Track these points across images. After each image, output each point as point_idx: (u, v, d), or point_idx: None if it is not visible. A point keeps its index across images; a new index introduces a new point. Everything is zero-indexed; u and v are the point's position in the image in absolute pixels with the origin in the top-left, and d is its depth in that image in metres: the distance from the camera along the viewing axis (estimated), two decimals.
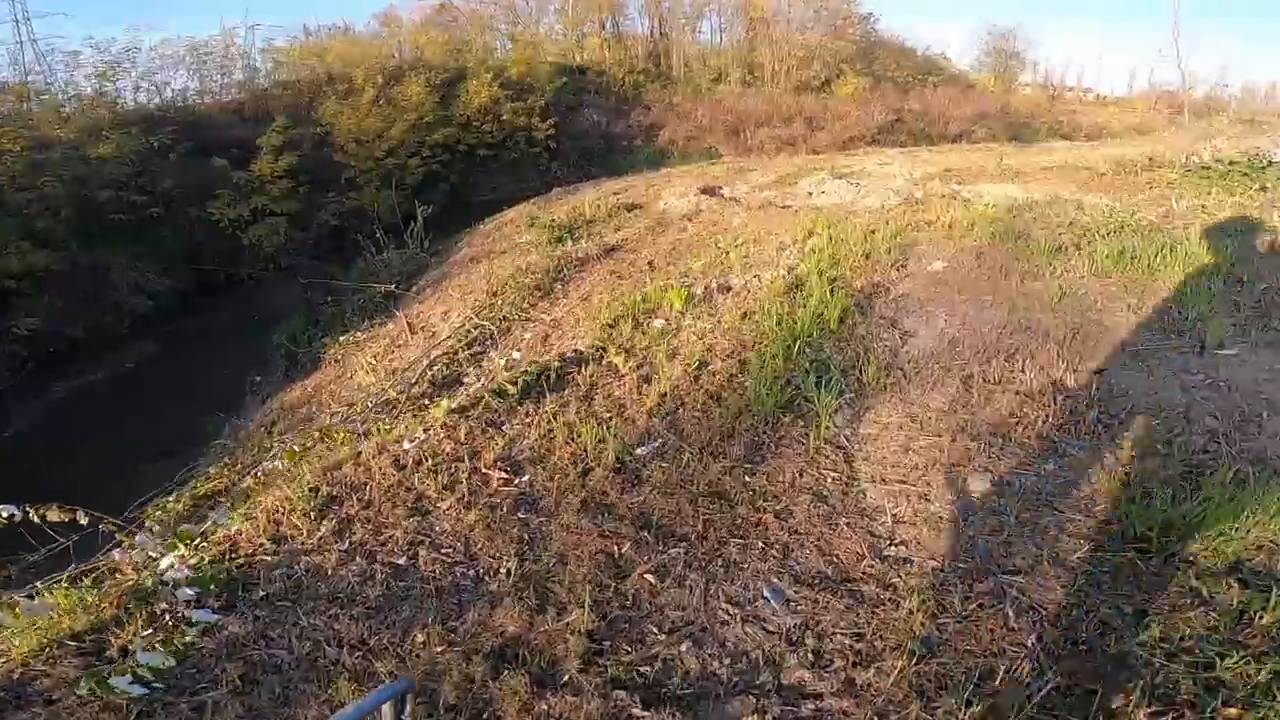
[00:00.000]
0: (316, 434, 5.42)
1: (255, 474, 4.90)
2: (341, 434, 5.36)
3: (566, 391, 4.21)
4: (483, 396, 4.05)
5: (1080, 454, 3.40)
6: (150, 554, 3.88)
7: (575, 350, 4.64)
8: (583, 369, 4.41)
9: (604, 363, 4.47)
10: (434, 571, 3.16)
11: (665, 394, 4.02)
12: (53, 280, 13.52)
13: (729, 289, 5.36)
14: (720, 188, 11.20)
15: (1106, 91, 48.38)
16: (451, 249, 11.91)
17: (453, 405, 4.09)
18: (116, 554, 4.04)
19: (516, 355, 5.86)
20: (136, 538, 4.19)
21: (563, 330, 6.41)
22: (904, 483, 3.39)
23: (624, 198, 11.21)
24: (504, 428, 3.99)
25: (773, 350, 4.18)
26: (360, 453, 4.00)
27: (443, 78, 21.17)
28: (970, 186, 8.33)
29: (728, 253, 6.55)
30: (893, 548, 3.11)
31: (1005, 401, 3.67)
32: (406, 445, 3.98)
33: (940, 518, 3.21)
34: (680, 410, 3.87)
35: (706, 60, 28.95)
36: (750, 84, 27.59)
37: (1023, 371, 3.89)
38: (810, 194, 8.92)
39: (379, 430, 4.89)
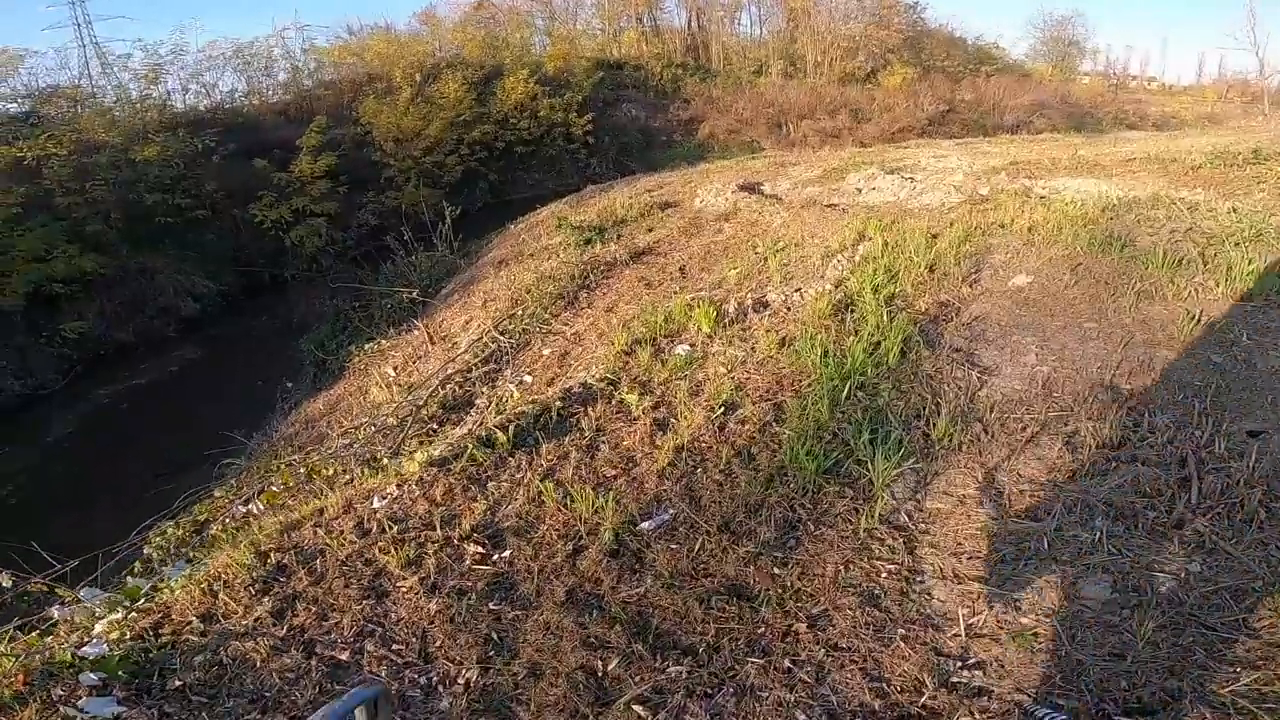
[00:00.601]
0: (304, 471, 4.82)
1: (228, 518, 4.34)
2: (327, 470, 4.76)
3: (568, 439, 3.45)
4: (467, 447, 3.31)
5: (1236, 550, 2.46)
6: (94, 611, 3.30)
7: (583, 384, 3.87)
8: (590, 408, 3.64)
9: (615, 400, 3.69)
10: (379, 673, 2.46)
11: (683, 446, 3.21)
12: (101, 284, 13.49)
13: (765, 305, 4.51)
14: (760, 184, 10.25)
15: (1173, 80, 44.96)
16: (482, 250, 11.30)
17: (433, 455, 3.37)
18: (55, 611, 3.49)
19: (528, 379, 5.14)
20: (81, 592, 3.64)
21: (583, 345, 5.67)
22: (983, 580, 2.52)
23: (658, 195, 10.38)
24: (489, 485, 3.25)
25: (816, 393, 3.32)
26: (324, 509, 3.32)
27: (480, 75, 20.67)
28: (1044, 181, 7.21)
29: (766, 259, 5.68)
30: (965, 672, 2.26)
31: (1126, 473, 2.73)
32: (376, 503, 3.29)
33: (1034, 633, 2.34)
34: (699, 470, 3.05)
35: (746, 52, 27.75)
36: (792, 76, 26.28)
37: (1149, 431, 2.93)
38: (859, 191, 7.92)
39: (363, 474, 4.25)
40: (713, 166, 13.21)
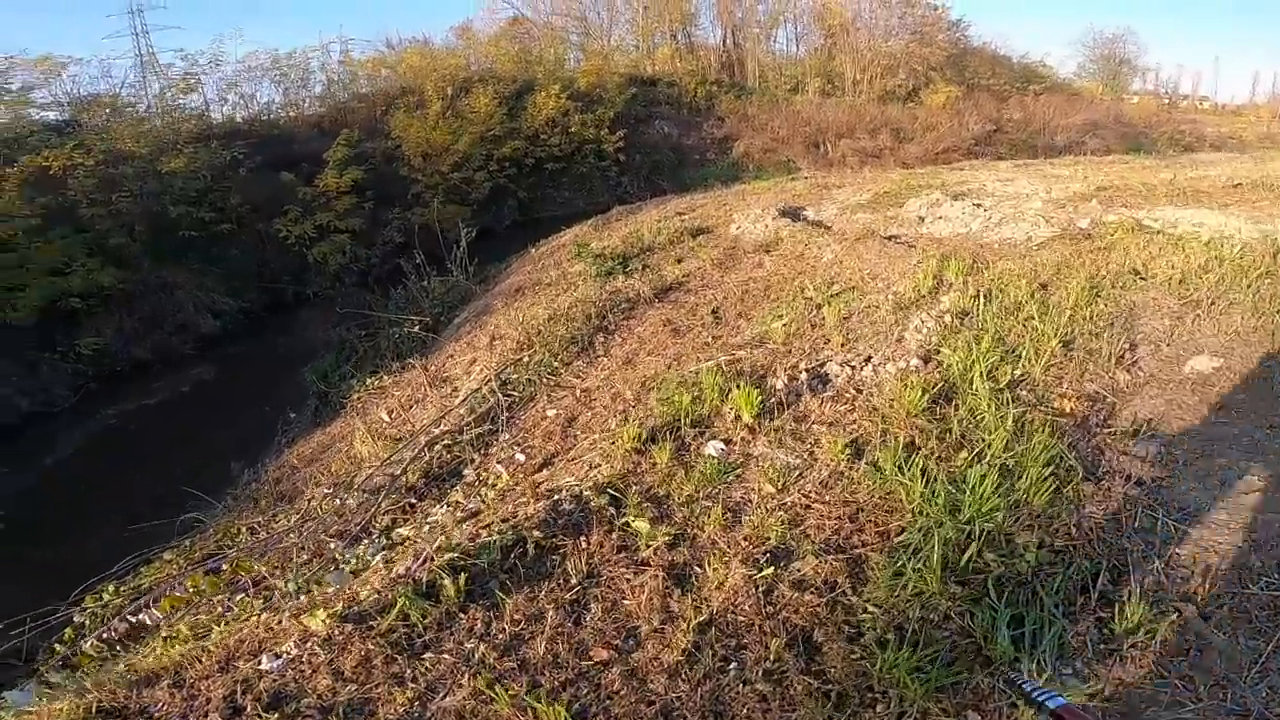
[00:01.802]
0: (227, 567, 3.78)
1: (115, 623, 3.33)
2: (254, 568, 3.70)
3: (545, 589, 2.31)
4: (397, 602, 2.19)
5: None
6: None
7: (576, 497, 2.73)
8: (583, 538, 2.49)
9: (618, 525, 2.54)
10: None
11: (710, 621, 2.06)
12: (121, 298, 12.91)
13: (825, 381, 3.32)
14: (803, 209, 9.04)
15: (1225, 100, 42.25)
16: (500, 275, 10.30)
17: (348, 608, 2.25)
18: None
19: (521, 457, 4.03)
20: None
21: (593, 409, 4.54)
22: None
23: (690, 219, 9.25)
24: (424, 658, 2.13)
25: (916, 542, 2.13)
26: (191, 663, 2.24)
27: (512, 89, 19.85)
28: (1148, 212, 5.87)
29: (819, 306, 4.49)
30: None
31: None
32: (265, 663, 2.21)
33: None
34: (733, 668, 1.89)
35: (783, 69, 26.52)
36: (830, 94, 24.94)
37: None
38: (922, 219, 6.66)
39: (293, 581, 3.17)
40: (749, 188, 12.04)
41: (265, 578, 3.33)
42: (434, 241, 16.45)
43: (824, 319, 4.09)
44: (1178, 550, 2.10)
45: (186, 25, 33.97)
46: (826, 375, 3.32)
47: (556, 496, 2.75)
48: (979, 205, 6.62)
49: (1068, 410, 2.72)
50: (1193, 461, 2.45)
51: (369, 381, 8.05)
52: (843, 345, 3.62)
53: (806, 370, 3.38)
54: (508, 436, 4.90)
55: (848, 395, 3.11)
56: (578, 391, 5.00)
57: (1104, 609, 1.95)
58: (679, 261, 7.26)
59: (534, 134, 19.01)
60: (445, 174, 16.64)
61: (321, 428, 7.85)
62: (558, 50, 25.36)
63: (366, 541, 4.22)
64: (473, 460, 4.82)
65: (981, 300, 3.70)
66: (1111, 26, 52.32)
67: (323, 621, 2.20)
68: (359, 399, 7.90)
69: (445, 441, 5.11)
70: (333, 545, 3.62)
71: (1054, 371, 3.09)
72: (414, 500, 4.64)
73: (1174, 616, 1.90)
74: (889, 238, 6.25)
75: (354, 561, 3.66)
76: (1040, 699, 1.17)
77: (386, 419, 6.69)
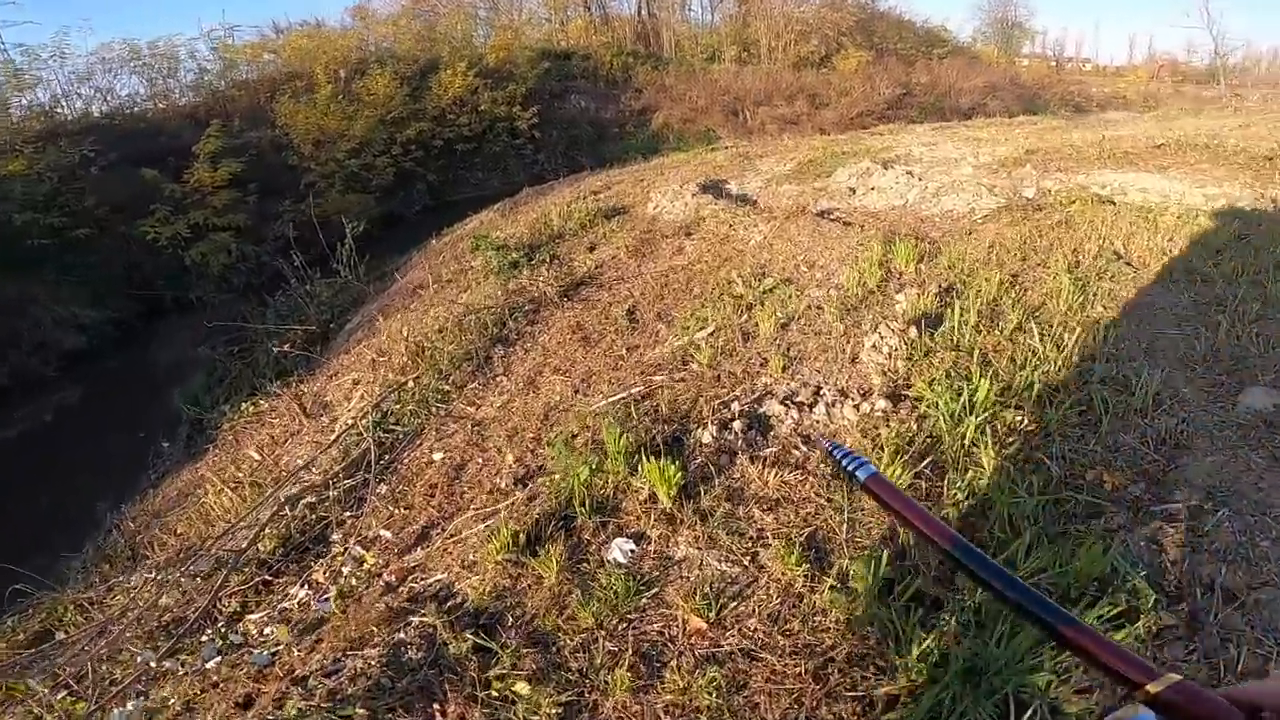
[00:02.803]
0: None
1: None
2: (23, 688, 2.57)
3: None
4: None
5: None
6: None
7: (428, 637, 1.77)
8: (437, 708, 1.55)
9: (489, 683, 1.61)
10: None
11: None
12: None
13: (765, 429, 2.43)
14: (725, 182, 8.18)
15: (1105, 61, 44.08)
16: (398, 270, 9.00)
17: None
18: None
19: (386, 534, 3.02)
20: None
21: (486, 451, 3.56)
22: None
23: (605, 199, 8.23)
24: None
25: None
26: None
27: (414, 69, 18.01)
28: (1087, 176, 5.31)
29: (749, 308, 3.63)
30: None
31: None
32: None
33: None
34: None
35: (698, 39, 25.47)
36: (746, 62, 24.09)
37: None
38: (853, 191, 5.91)
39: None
40: (668, 160, 11.08)
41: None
42: (336, 234, 14.78)
43: (757, 327, 3.23)
44: None
45: (57, 22, 29.49)
46: (766, 418, 2.46)
47: (408, 625, 1.79)
48: (911, 173, 5.92)
49: (1111, 486, 1.91)
50: None
51: (244, 407, 6.73)
52: (784, 370, 2.76)
53: (740, 413, 2.51)
54: (385, 489, 3.86)
55: (795, 453, 2.25)
56: (470, 425, 4.00)
57: None
58: (591, 249, 6.28)
59: (440, 114, 17.32)
60: (341, 161, 14.84)
61: (193, 462, 6.52)
62: (464, 27, 23.32)
63: (209, 633, 3.16)
64: (341, 522, 3.78)
65: (948, 303, 2.90)
66: None
67: None
68: (231, 429, 6.59)
69: (308, 499, 4.02)
70: (142, 658, 2.54)
71: (1075, 420, 2.24)
72: (266, 579, 3.58)
73: None
74: (821, 213, 5.46)
75: (180, 671, 2.64)
76: (851, 468, 0.84)
77: (257, 457, 5.46)
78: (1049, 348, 2.54)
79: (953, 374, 2.36)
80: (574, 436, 2.76)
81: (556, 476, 2.63)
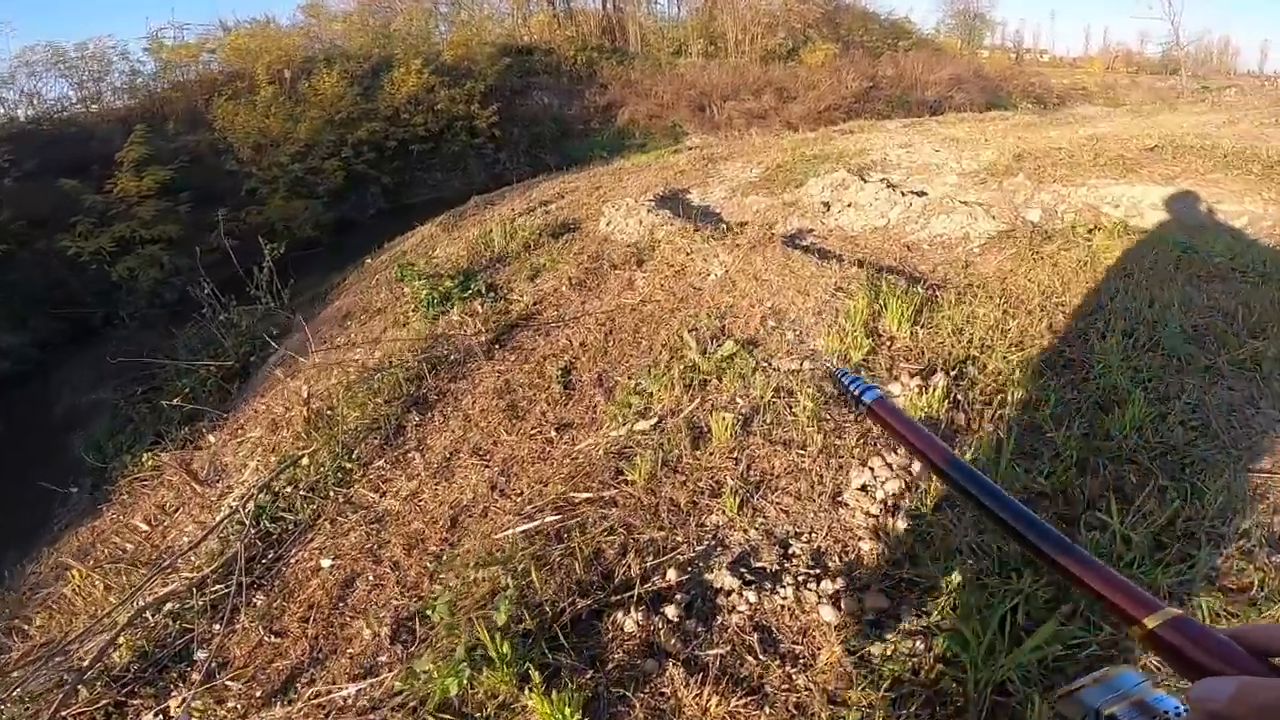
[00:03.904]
0: None
1: None
2: None
3: None
4: None
5: None
6: None
7: None
8: None
9: None
10: None
11: None
12: None
13: (709, 613, 1.56)
14: (687, 191, 7.28)
15: (1062, 52, 43.91)
16: (330, 294, 7.96)
17: None
18: None
19: (235, 686, 2.11)
20: None
21: (381, 564, 2.68)
22: None
23: (556, 211, 7.28)
24: None
25: None
26: None
27: (365, 68, 16.69)
28: (1092, 190, 4.53)
29: (704, 382, 2.76)
30: None
31: None
32: None
33: None
34: None
35: (665, 33, 24.35)
36: (713, 56, 23.08)
37: None
38: (828, 205, 5.06)
39: None
40: (628, 164, 10.11)
41: None
42: (281, 242, 13.51)
43: (709, 427, 2.37)
44: None
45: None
46: (712, 596, 1.59)
47: None
48: (891, 185, 5.08)
49: None
50: None
51: (145, 459, 5.69)
52: (740, 507, 1.90)
53: (679, 584, 1.64)
54: (261, 599, 2.95)
55: (750, 662, 1.39)
56: (369, 521, 3.09)
57: None
58: (533, 277, 5.35)
59: (394, 114, 16.05)
60: (285, 165, 13.58)
61: (92, 519, 5.48)
62: (422, 23, 21.87)
63: None
64: (207, 639, 2.88)
65: (962, 404, 2.05)
66: None
67: None
68: (129, 485, 5.54)
69: (171, 605, 3.07)
70: None
71: None
72: (118, 701, 2.69)
73: None
74: (791, 237, 4.60)
75: None
76: (857, 391, 0.80)
77: (145, 529, 4.47)
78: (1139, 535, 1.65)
79: (979, 551, 1.49)
80: (466, 591, 1.90)
81: (422, 676, 1.75)
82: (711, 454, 2.42)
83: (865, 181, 5.06)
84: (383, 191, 15.68)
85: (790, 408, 2.47)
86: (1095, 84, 27.33)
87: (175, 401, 4.67)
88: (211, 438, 5.29)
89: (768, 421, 2.29)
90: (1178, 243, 3.21)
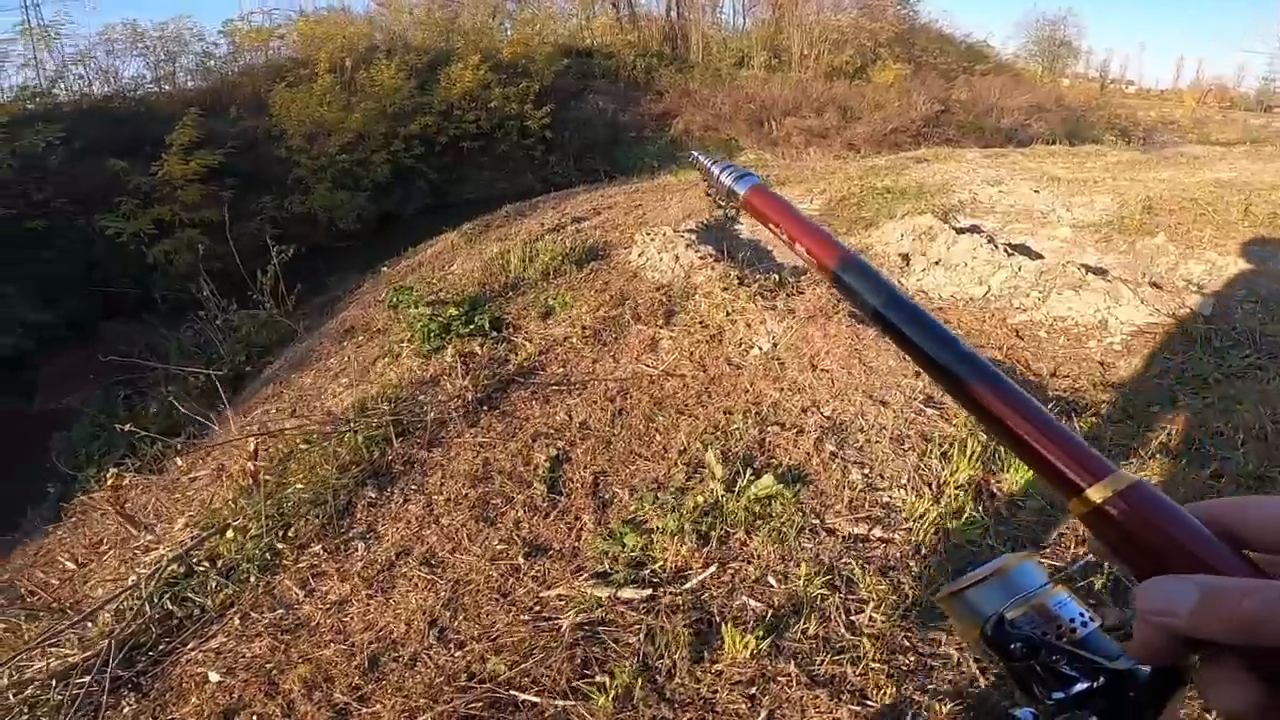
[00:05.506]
0: None
1: None
2: None
3: None
4: None
5: None
6: None
7: None
8: None
9: None
10: None
11: None
12: None
13: None
14: (735, 219, 6.28)
15: (1150, 84, 40.65)
16: (339, 302, 7.28)
17: None
18: None
19: None
20: None
21: (275, 696, 1.81)
22: None
23: (587, 231, 6.39)
24: None
25: None
26: None
27: (425, 60, 16.20)
28: (1255, 260, 3.35)
29: (726, 535, 1.79)
30: None
31: None
32: None
33: None
34: None
35: (728, 43, 23.24)
36: (775, 69, 21.86)
37: None
38: (908, 260, 3.99)
39: None
40: (675, 180, 9.14)
41: None
42: (321, 233, 13.08)
43: (722, 623, 1.42)
44: None
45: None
46: None
47: None
48: (991, 240, 3.98)
49: None
50: None
51: (108, 476, 5.04)
52: None
53: None
54: (130, 707, 2.14)
55: None
56: (283, 629, 2.24)
57: None
58: (546, 316, 4.46)
59: (448, 109, 15.51)
60: (334, 156, 13.14)
61: (41, 536, 4.87)
62: (487, 18, 21.34)
63: None
64: (127, 704, 2.13)
65: None
66: (1054, 8, 50.28)
67: None
68: (80, 508, 4.89)
69: (30, 692, 2.30)
70: None
71: None
72: None
73: None
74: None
75: None
76: (729, 181, 0.58)
77: (72, 567, 3.77)
78: None
79: None
80: None
81: None
82: (719, 674, 1.48)
83: (958, 234, 3.97)
84: (429, 187, 15.16)
85: (847, 614, 1.51)
86: (1187, 118, 24.91)
87: (128, 428, 3.96)
88: (180, 461, 4.58)
89: (808, 635, 1.34)
90: None
